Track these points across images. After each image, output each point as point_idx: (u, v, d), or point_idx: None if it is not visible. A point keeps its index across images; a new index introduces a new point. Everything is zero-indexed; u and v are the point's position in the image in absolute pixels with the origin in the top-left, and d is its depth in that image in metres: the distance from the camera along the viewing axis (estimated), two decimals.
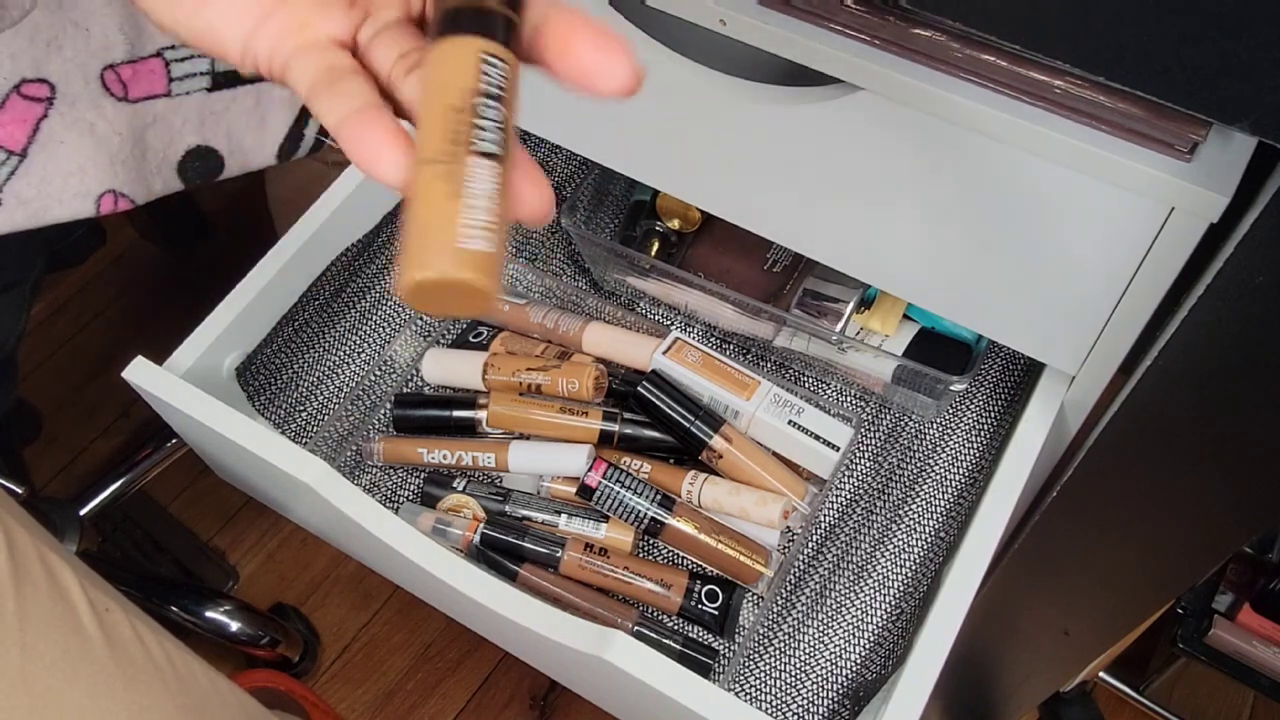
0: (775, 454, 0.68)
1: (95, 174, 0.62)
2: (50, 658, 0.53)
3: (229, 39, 0.34)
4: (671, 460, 0.69)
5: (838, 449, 0.65)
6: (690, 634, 0.65)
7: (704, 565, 0.66)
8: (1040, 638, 0.76)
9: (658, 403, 0.66)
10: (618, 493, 0.64)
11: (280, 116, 0.73)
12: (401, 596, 1.14)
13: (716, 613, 0.64)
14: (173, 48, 0.66)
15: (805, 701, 0.61)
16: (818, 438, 0.65)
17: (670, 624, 0.65)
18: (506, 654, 0.92)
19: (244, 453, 0.61)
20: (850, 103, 0.51)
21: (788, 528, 0.66)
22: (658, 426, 0.68)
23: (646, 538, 0.67)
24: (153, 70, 0.66)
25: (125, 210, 0.65)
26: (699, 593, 0.64)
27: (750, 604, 0.65)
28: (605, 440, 0.68)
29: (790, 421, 0.66)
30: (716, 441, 0.66)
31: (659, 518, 0.64)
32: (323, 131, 0.76)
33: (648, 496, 0.64)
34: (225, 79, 0.70)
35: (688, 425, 0.66)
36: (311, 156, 0.77)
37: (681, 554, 0.67)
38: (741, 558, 0.64)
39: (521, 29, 0.32)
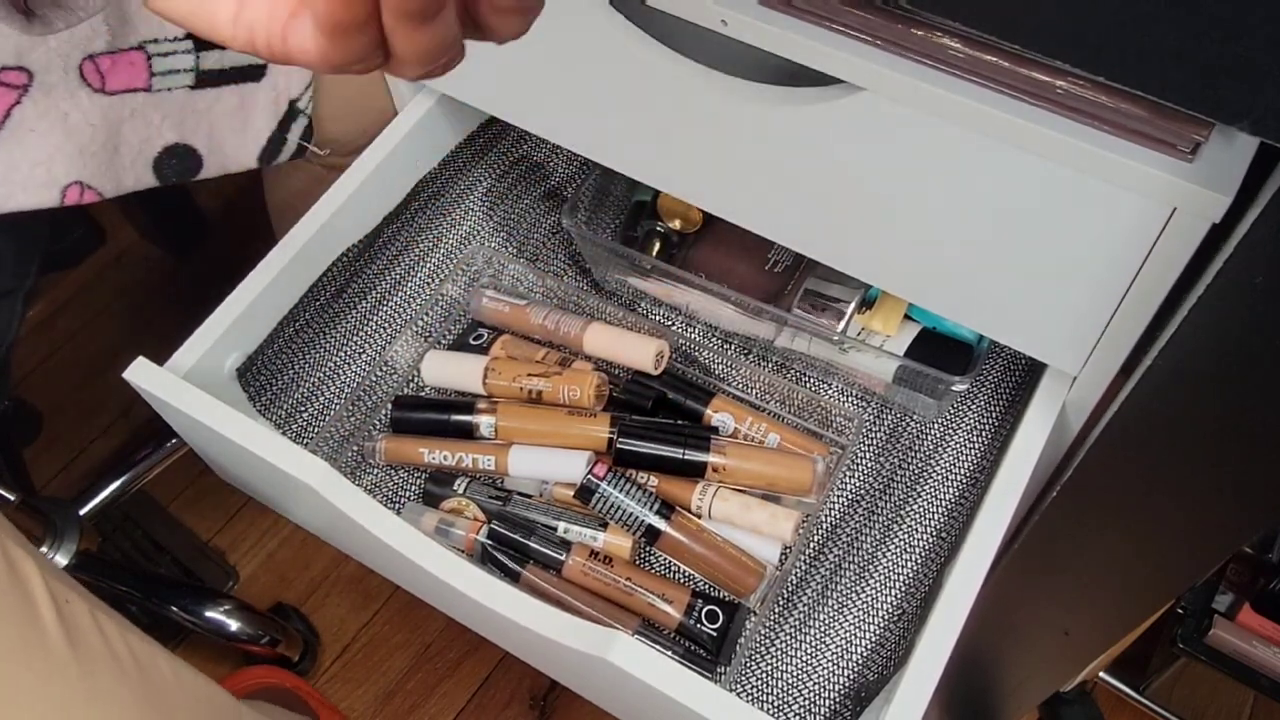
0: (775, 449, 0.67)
1: (63, 164, 0.61)
2: (5, 645, 0.54)
3: (220, 10, 0.31)
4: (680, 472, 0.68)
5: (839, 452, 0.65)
6: (689, 645, 0.64)
7: (703, 576, 0.66)
8: (1040, 638, 0.75)
9: (640, 451, 0.65)
10: (616, 498, 0.64)
11: (263, 120, 0.72)
12: (401, 596, 1.14)
13: (715, 634, 0.63)
14: (155, 41, 0.65)
15: (807, 702, 0.61)
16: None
17: (670, 634, 0.65)
18: (506, 654, 0.92)
19: (246, 454, 0.61)
20: (851, 103, 0.51)
21: None
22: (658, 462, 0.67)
23: (648, 548, 0.67)
24: (133, 62, 0.65)
25: (91, 202, 0.64)
26: (700, 612, 0.64)
27: (751, 623, 0.64)
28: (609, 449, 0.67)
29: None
30: (713, 458, 0.65)
31: (655, 525, 0.64)
32: (305, 136, 0.75)
33: (645, 503, 0.64)
34: (210, 78, 0.69)
35: (680, 458, 0.65)
36: (304, 160, 0.77)
37: (679, 563, 0.66)
38: (742, 557, 0.64)
39: None
